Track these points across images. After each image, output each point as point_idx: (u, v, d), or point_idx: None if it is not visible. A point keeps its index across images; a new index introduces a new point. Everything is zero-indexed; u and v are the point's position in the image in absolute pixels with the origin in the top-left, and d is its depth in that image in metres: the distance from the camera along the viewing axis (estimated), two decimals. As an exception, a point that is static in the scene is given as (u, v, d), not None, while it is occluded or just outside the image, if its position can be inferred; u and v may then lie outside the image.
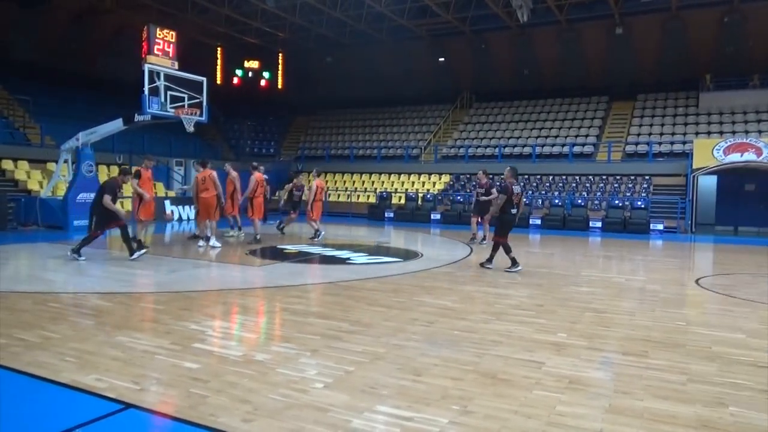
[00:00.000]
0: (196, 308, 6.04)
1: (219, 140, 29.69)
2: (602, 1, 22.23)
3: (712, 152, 18.81)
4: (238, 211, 13.48)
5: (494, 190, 13.00)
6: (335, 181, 26.65)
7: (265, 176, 13.41)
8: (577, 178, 22.35)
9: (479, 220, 13.15)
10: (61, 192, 16.13)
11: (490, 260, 9.51)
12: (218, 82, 29.56)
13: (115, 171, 20.65)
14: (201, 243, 11.59)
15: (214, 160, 25.99)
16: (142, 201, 10.92)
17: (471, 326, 5.53)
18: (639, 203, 19.58)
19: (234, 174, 13.03)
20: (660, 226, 18.48)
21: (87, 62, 25.97)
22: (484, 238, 13.18)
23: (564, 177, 22.54)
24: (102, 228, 9.47)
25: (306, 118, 32.86)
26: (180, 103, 14.82)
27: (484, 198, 13.18)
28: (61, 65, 24.83)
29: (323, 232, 13.51)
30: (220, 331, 5.34)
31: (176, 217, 19.49)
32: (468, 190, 22.19)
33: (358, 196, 24.89)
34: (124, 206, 18.22)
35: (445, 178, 24.44)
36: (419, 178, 25.16)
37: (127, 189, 10.99)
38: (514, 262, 9.20)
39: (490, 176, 15.23)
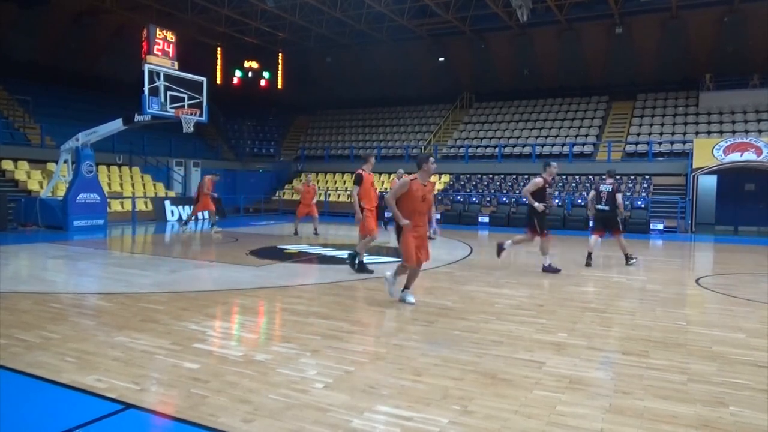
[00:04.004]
0: (196, 308, 6.03)
1: (219, 140, 29.69)
2: (602, 1, 22.19)
3: (712, 152, 18.80)
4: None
5: (619, 195, 9.97)
6: (335, 181, 26.64)
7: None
8: (577, 178, 22.35)
9: (602, 235, 10.09)
10: (61, 192, 16.14)
11: None
12: (218, 82, 29.53)
13: (115, 171, 20.68)
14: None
15: (214, 161, 26.28)
16: (363, 212, 8.54)
17: (471, 326, 5.52)
18: (639, 203, 19.58)
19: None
20: (660, 226, 18.49)
21: (87, 62, 25.98)
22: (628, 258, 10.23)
23: (564, 177, 22.53)
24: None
25: (306, 118, 32.85)
26: (180, 103, 14.85)
27: (599, 206, 9.97)
28: (61, 65, 24.84)
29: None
30: (220, 331, 5.34)
31: (176, 217, 19.50)
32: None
33: (359, 196, 24.83)
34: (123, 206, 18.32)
35: (445, 178, 24.44)
36: (419, 178, 25.10)
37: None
38: None
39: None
